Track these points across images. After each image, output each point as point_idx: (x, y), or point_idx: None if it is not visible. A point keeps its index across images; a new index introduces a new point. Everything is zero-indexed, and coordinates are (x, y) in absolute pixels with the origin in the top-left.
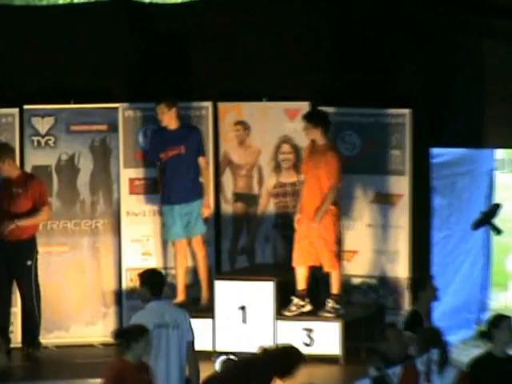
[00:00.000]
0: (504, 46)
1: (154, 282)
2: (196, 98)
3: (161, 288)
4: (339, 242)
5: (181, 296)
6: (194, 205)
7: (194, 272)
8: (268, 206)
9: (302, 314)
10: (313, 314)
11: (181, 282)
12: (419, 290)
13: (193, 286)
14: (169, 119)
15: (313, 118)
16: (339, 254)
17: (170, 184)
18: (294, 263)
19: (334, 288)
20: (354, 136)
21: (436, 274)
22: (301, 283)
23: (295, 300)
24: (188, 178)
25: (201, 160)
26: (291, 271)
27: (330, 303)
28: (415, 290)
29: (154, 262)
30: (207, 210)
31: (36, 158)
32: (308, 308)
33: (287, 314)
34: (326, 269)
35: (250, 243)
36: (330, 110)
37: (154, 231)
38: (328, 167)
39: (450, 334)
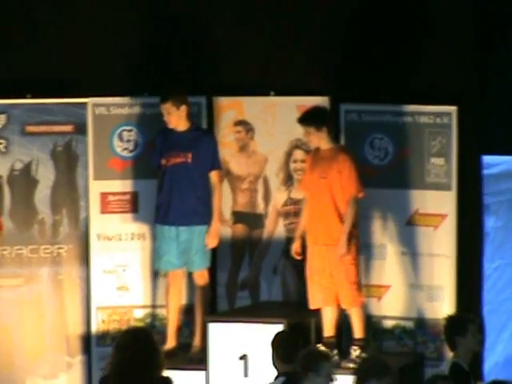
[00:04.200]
0: None
1: None
2: (185, 91)
3: None
4: (360, 270)
5: (171, 342)
6: (196, 231)
7: (184, 312)
8: (276, 228)
9: None
10: (334, 365)
11: (172, 323)
12: (457, 335)
13: (182, 328)
14: (177, 120)
15: (314, 119)
16: (361, 287)
17: (167, 199)
18: (311, 305)
19: (358, 331)
20: (386, 141)
21: (487, 314)
22: (328, 328)
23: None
24: (193, 195)
25: (213, 175)
26: (305, 311)
27: (356, 351)
28: (452, 334)
29: (132, 299)
30: (213, 241)
31: None
32: (335, 360)
33: None
34: (344, 306)
35: (253, 276)
36: (354, 107)
37: (132, 260)
38: (342, 174)
39: None
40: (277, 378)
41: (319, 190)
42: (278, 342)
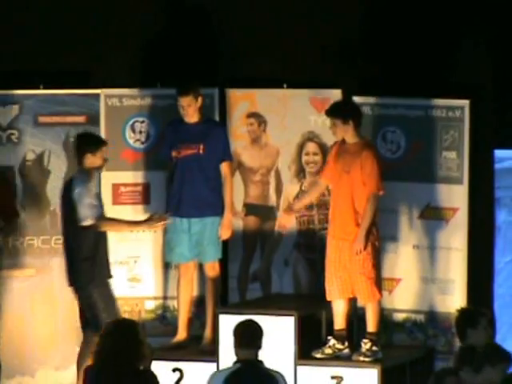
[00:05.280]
0: None
1: None
2: (198, 83)
3: None
4: (378, 267)
5: (182, 333)
6: (208, 222)
7: (195, 304)
8: (288, 220)
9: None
10: (344, 358)
11: (183, 315)
12: (468, 327)
13: (193, 320)
14: (193, 112)
15: (341, 112)
16: (379, 283)
17: (179, 191)
18: (328, 297)
19: (371, 325)
20: (399, 134)
21: (499, 308)
22: (340, 321)
23: (332, 341)
24: (206, 187)
25: (224, 166)
26: (316, 303)
27: (366, 344)
28: (463, 326)
29: (144, 290)
30: (226, 232)
31: None
32: (346, 353)
33: (318, 356)
34: (362, 301)
35: (264, 268)
36: (367, 100)
37: (144, 251)
38: (363, 170)
39: None
40: (234, 363)
41: (340, 184)
42: (239, 330)
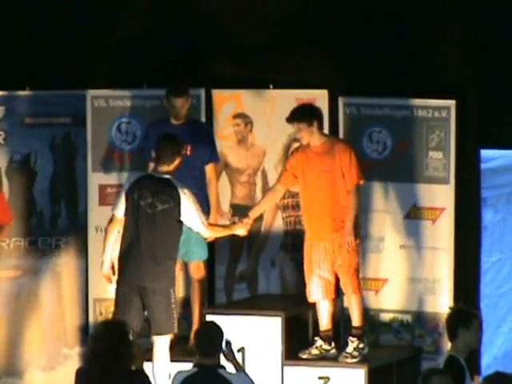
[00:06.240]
0: None
1: None
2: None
3: None
4: (359, 259)
5: None
6: None
7: (182, 304)
8: (275, 221)
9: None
10: (331, 359)
11: None
12: (461, 327)
13: (180, 321)
14: (184, 113)
15: (305, 115)
16: (359, 275)
17: None
18: (310, 299)
19: (356, 319)
20: (385, 134)
21: (486, 308)
22: (325, 322)
23: (319, 342)
24: (193, 187)
25: (209, 168)
26: (303, 304)
27: (354, 342)
28: (456, 325)
29: None
30: None
31: None
32: (333, 353)
33: (305, 356)
34: (349, 292)
35: (251, 268)
36: (353, 100)
37: None
38: (344, 162)
39: None
40: (193, 367)
41: (323, 186)
42: (196, 337)
